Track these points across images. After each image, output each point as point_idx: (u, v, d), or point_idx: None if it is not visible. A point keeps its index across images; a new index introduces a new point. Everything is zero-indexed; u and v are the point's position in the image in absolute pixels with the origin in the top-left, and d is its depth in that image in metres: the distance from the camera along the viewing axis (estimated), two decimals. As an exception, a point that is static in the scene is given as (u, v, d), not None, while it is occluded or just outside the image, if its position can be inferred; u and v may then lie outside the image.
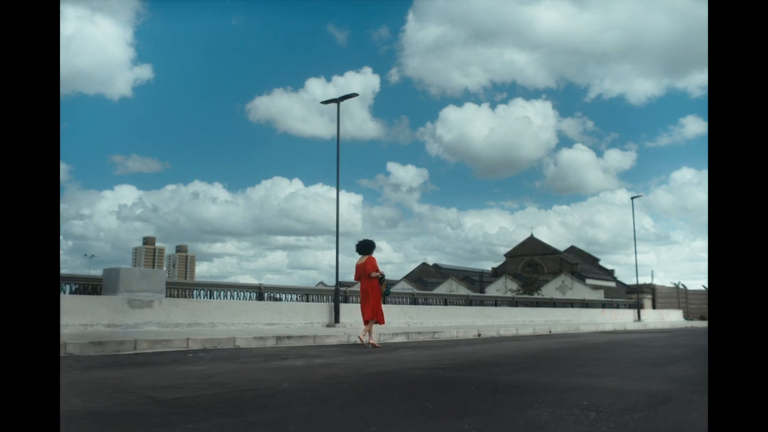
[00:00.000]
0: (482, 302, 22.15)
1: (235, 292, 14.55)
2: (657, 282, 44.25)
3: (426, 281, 68.35)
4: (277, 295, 15.63)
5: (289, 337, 9.92)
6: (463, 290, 52.17)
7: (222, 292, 14.13)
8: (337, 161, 14.57)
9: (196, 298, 13.05)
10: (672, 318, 31.16)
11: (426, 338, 11.97)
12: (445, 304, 19.44)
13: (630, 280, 51.40)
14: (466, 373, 5.36)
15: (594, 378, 4.93)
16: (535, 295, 37.88)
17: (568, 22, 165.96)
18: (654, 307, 34.20)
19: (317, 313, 13.60)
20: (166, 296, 11.52)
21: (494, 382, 4.70)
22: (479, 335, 13.33)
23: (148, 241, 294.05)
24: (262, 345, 9.28)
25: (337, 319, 13.62)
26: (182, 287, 13.20)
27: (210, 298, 13.65)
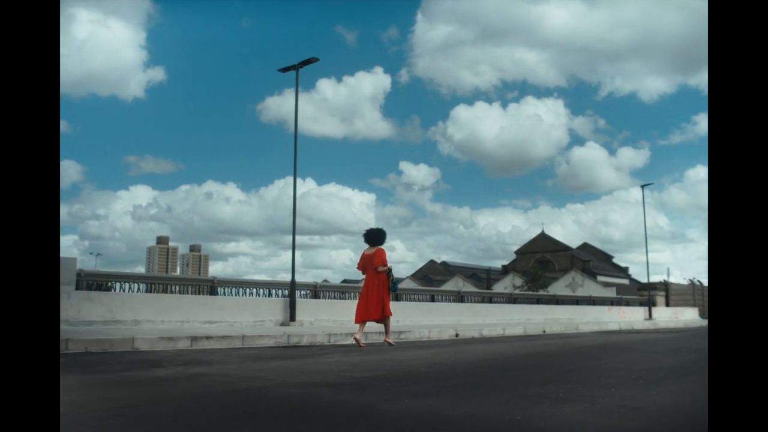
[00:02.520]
0: (488, 299, 20.27)
1: (178, 286, 12.82)
2: (672, 280, 41.85)
3: (432, 279, 66.45)
4: (235, 290, 13.90)
5: (209, 338, 8.14)
6: (469, 287, 50.18)
7: (163, 286, 12.41)
8: (294, 139, 12.79)
9: (128, 291, 11.31)
10: (686, 316, 28.90)
11: (389, 339, 10.13)
12: (432, 300, 17.58)
13: (645, 278, 49.02)
14: (357, 395, 3.53)
15: (542, 407, 3.08)
16: (540, 292, 35.82)
17: (577, 21, 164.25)
18: (667, 304, 31.99)
19: (269, 309, 11.82)
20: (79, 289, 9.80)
21: (367, 415, 2.87)
22: (456, 336, 11.48)
23: (161, 240, 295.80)
24: (170, 347, 7.52)
25: (292, 317, 11.84)
26: (108, 279, 11.43)
27: (149, 292, 11.94)
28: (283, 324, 11.71)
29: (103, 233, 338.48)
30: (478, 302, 19.30)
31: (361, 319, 8.51)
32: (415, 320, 14.53)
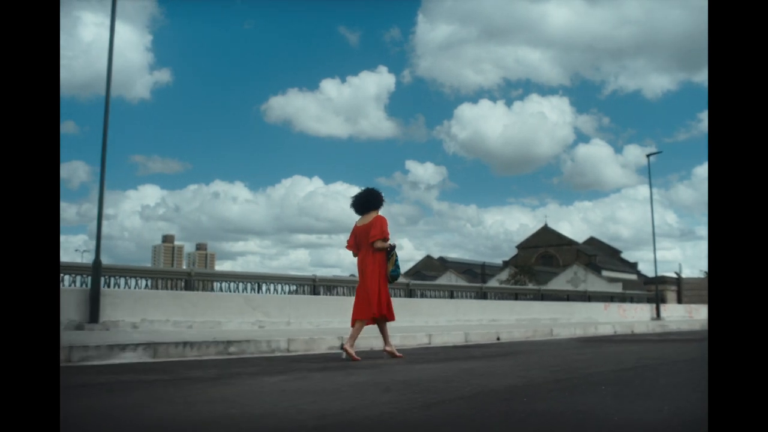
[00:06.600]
0: (449, 293, 16.03)
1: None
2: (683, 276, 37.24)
3: (425, 274, 62.44)
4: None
5: None
6: (461, 283, 45.97)
7: None
8: (108, 78, 8.63)
9: None
10: (703, 315, 24.34)
11: (212, 355, 5.94)
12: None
13: (654, 273, 44.37)
14: None
15: None
16: (529, 286, 31.46)
17: (580, 18, 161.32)
18: (680, 301, 27.57)
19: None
20: None
21: None
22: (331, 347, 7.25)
23: (167, 239, 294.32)
24: None
25: (94, 317, 7.67)
26: None
27: None
28: (78, 328, 7.57)
29: (112, 233, 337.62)
30: (436, 297, 15.09)
31: (356, 318, 5.84)
32: (326, 321, 10.30)
